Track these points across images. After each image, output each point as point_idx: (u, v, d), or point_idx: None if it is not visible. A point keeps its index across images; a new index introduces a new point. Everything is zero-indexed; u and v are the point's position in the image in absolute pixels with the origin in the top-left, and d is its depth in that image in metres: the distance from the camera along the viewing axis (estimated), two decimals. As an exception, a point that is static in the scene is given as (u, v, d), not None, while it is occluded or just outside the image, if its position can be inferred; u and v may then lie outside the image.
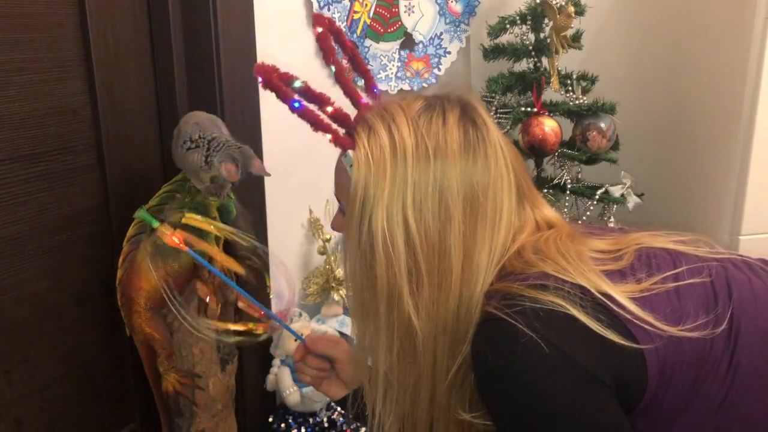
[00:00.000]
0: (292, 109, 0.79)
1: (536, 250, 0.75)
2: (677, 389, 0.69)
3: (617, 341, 0.66)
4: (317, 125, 0.79)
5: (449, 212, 0.73)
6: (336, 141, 0.79)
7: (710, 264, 0.76)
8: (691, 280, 0.73)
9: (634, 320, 0.68)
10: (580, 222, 0.82)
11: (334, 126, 0.80)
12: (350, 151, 0.77)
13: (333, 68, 0.83)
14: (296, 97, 0.79)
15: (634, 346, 0.67)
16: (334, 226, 0.88)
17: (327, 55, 0.84)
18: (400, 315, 0.74)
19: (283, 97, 0.79)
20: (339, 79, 0.82)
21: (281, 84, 0.79)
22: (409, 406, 0.79)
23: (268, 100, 1.39)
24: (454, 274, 0.73)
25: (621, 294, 0.70)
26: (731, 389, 0.69)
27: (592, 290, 0.69)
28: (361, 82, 0.91)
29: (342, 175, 0.80)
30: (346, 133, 0.79)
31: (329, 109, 0.80)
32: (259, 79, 0.79)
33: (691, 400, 0.70)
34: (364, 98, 0.84)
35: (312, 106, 0.80)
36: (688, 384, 0.69)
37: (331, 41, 0.85)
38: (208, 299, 1.26)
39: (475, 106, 0.79)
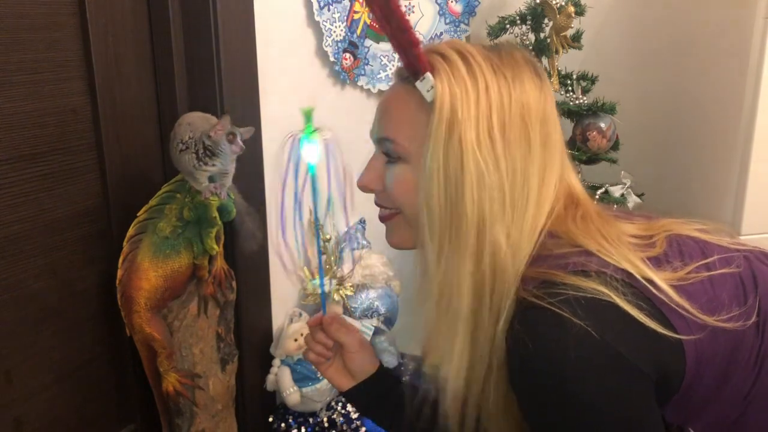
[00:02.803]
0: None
1: (576, 225, 0.75)
2: (710, 380, 0.69)
3: (659, 331, 0.66)
4: (397, 40, 0.75)
5: (529, 136, 0.73)
6: (408, 63, 0.75)
7: (735, 255, 0.76)
8: (723, 270, 0.73)
9: (676, 308, 0.68)
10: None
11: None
12: (428, 74, 0.74)
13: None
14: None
15: (676, 336, 0.67)
16: (364, 182, 0.82)
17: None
18: (490, 235, 0.72)
19: None
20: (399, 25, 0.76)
21: None
22: (468, 358, 0.75)
23: (268, 100, 1.39)
24: (530, 204, 0.73)
25: (663, 281, 0.69)
26: (758, 379, 0.70)
27: (637, 275, 0.69)
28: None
29: (405, 105, 0.76)
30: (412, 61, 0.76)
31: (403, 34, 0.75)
32: None
33: (722, 390, 0.70)
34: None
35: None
36: (720, 374, 0.70)
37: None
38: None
39: (532, 56, 0.83)
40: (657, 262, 0.73)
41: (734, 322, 0.69)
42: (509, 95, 0.73)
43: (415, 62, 0.74)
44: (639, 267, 0.70)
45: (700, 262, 0.73)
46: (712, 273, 0.73)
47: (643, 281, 0.69)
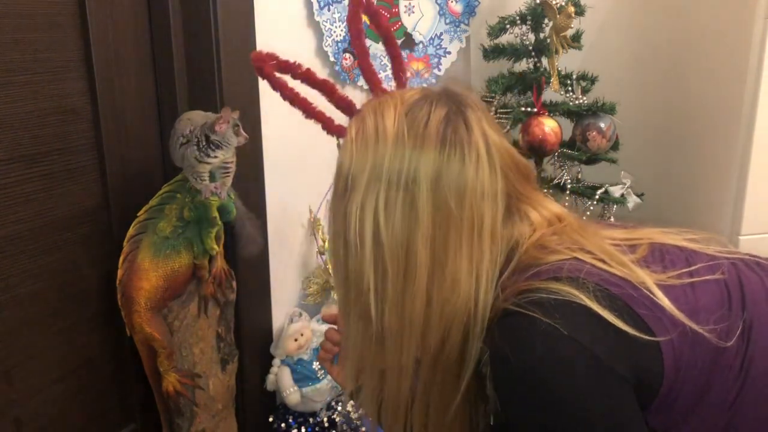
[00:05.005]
0: (283, 97, 0.82)
1: (555, 235, 0.76)
2: (692, 385, 0.69)
3: (633, 333, 0.66)
4: (309, 113, 0.82)
5: (417, 214, 0.72)
6: (328, 129, 0.81)
7: (722, 263, 0.76)
8: (706, 277, 0.73)
9: (654, 310, 0.68)
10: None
11: (327, 115, 0.82)
12: (340, 140, 0.79)
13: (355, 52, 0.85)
14: (289, 85, 0.82)
15: (651, 339, 0.67)
16: None
17: (353, 38, 0.85)
18: (363, 305, 0.75)
19: (274, 86, 0.83)
20: (361, 63, 0.84)
21: (273, 72, 0.83)
22: (378, 394, 0.80)
23: (268, 100, 1.39)
24: (419, 277, 0.72)
25: (647, 276, 0.70)
26: (743, 387, 0.70)
27: (617, 271, 0.69)
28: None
29: None
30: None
31: (334, 96, 0.82)
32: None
33: (705, 396, 0.70)
34: (384, 85, 0.86)
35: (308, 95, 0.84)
36: (703, 380, 0.69)
37: (361, 24, 0.86)
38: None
39: (464, 106, 0.76)
40: (635, 264, 0.73)
41: (716, 334, 0.69)
42: (400, 171, 0.72)
43: (331, 127, 0.82)
44: (624, 262, 0.71)
45: (682, 270, 0.73)
46: (693, 279, 0.73)
47: (621, 280, 0.69)
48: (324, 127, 0.81)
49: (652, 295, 0.69)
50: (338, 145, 0.80)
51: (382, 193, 0.72)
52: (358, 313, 0.77)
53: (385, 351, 0.76)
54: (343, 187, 0.76)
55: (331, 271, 0.82)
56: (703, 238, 0.81)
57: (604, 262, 0.71)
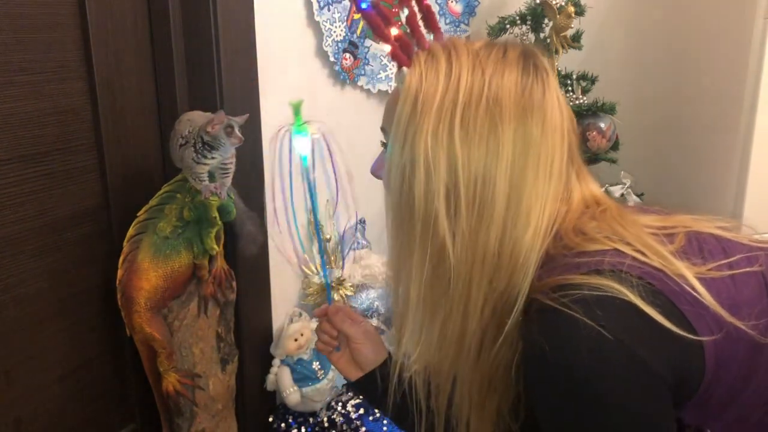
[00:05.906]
0: (359, 9, 0.78)
1: (594, 221, 0.73)
2: (730, 381, 0.68)
3: (677, 331, 0.64)
4: (379, 32, 0.78)
5: (498, 141, 0.69)
6: (394, 54, 0.76)
7: (758, 254, 0.74)
8: (746, 269, 0.71)
9: (697, 306, 0.66)
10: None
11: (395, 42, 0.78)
12: (405, 68, 0.74)
13: (406, 11, 0.81)
14: None
15: (694, 337, 0.65)
16: (374, 168, 0.84)
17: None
18: (434, 237, 0.71)
19: None
20: (410, 21, 0.80)
21: None
22: (436, 343, 0.75)
23: (268, 100, 1.39)
24: (498, 206, 0.69)
25: (688, 270, 0.67)
26: None
27: (658, 264, 0.67)
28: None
29: (394, 97, 0.77)
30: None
31: (394, 31, 0.78)
32: None
33: (743, 391, 0.68)
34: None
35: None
36: (742, 376, 0.68)
37: None
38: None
39: (537, 52, 0.76)
40: (675, 257, 0.71)
41: (758, 330, 0.67)
42: (480, 99, 0.69)
43: (398, 54, 0.76)
44: (663, 255, 0.68)
45: (722, 261, 0.71)
46: (734, 272, 0.70)
47: (663, 274, 0.67)
48: (391, 52, 0.76)
49: (693, 291, 0.67)
50: (398, 76, 0.76)
51: (458, 118, 0.69)
52: (423, 251, 0.72)
53: (452, 292, 0.72)
54: (409, 114, 0.71)
55: (385, 210, 0.77)
56: (734, 227, 0.79)
57: (643, 254, 0.69)
